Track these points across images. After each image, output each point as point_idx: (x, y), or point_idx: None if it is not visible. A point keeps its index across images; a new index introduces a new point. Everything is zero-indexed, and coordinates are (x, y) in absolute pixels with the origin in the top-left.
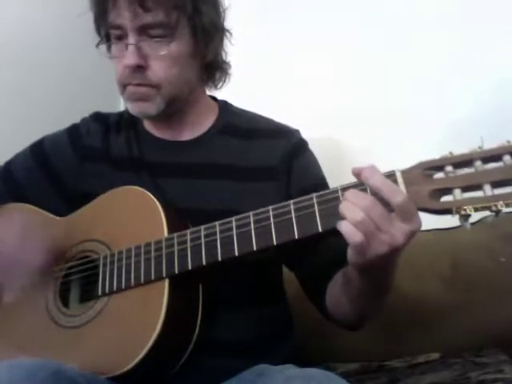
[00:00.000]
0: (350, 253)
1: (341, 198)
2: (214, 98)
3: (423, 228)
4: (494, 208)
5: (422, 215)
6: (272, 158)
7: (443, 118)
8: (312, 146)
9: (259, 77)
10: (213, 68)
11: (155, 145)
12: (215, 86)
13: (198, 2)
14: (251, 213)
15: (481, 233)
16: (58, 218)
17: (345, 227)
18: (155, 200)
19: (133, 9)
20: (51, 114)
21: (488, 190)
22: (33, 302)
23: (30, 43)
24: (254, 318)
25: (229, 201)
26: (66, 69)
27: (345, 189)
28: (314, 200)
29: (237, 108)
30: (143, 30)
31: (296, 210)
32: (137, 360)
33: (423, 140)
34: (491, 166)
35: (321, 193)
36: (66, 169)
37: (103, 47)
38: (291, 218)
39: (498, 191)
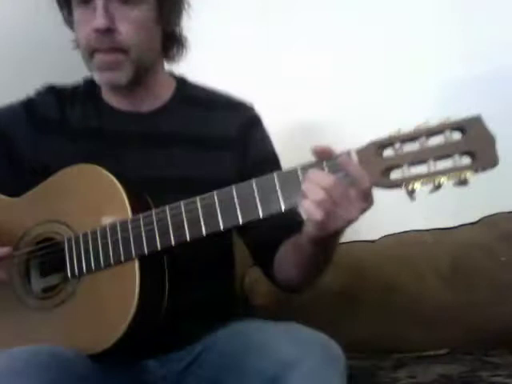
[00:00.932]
0: (309, 228)
1: (300, 178)
2: (172, 75)
3: (423, 228)
4: (436, 182)
5: (420, 213)
6: (229, 129)
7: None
8: (307, 143)
9: (256, 75)
10: (173, 39)
11: (115, 116)
12: (173, 59)
13: None
14: (215, 192)
15: (481, 233)
16: (12, 198)
17: (307, 207)
18: (114, 179)
19: None
20: None
21: (431, 165)
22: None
23: (26, 41)
24: (212, 284)
25: (188, 168)
26: (61, 69)
27: (304, 168)
28: (276, 180)
29: (194, 82)
30: None
31: (259, 190)
32: (119, 335)
33: None
34: (434, 141)
35: (281, 172)
36: (22, 142)
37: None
38: (255, 198)
39: (441, 165)
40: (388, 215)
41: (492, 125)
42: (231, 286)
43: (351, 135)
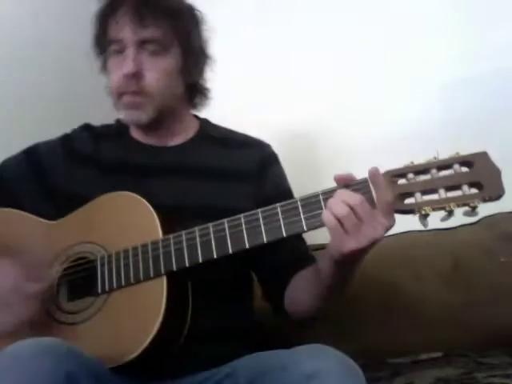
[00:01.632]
0: (331, 243)
1: (322, 202)
2: (196, 116)
3: (423, 228)
4: (447, 208)
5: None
6: (248, 164)
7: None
8: (308, 144)
9: (256, 77)
10: (195, 89)
11: (142, 149)
12: (196, 108)
13: (189, 28)
14: (242, 215)
15: (481, 233)
16: (49, 221)
17: (328, 219)
18: (147, 204)
19: (133, 24)
20: (47, 115)
21: (442, 194)
22: None
23: (26, 43)
24: (230, 310)
25: (210, 198)
26: (61, 69)
27: (325, 193)
28: (299, 203)
29: (216, 124)
30: (141, 44)
31: (283, 212)
32: (143, 347)
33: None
34: (444, 173)
35: (304, 196)
36: (58, 172)
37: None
38: (279, 220)
39: (451, 194)
40: None
41: (492, 124)
42: (251, 310)
43: (351, 135)
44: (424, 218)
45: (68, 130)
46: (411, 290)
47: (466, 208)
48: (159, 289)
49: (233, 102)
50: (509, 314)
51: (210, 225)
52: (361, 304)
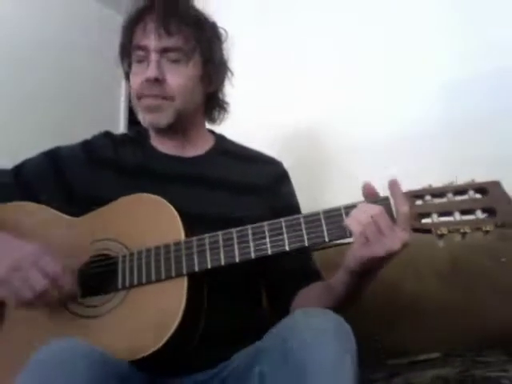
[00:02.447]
0: (354, 248)
1: (344, 216)
2: (212, 132)
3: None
4: (461, 230)
5: None
6: (263, 179)
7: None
8: (309, 144)
9: (258, 77)
10: (214, 100)
11: (160, 157)
12: (213, 121)
13: (211, 39)
14: (265, 223)
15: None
16: (72, 217)
17: (350, 221)
18: (172, 207)
19: (158, 32)
20: (51, 113)
21: (457, 216)
22: None
23: (26, 43)
24: (242, 310)
25: (225, 208)
26: (66, 68)
27: (347, 207)
28: (321, 215)
29: (231, 140)
30: (164, 52)
31: (306, 223)
32: (163, 342)
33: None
34: (459, 197)
35: (327, 209)
36: (79, 174)
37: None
38: (301, 229)
39: (465, 218)
40: None
41: (492, 124)
42: (262, 310)
43: (352, 135)
44: (440, 237)
45: (69, 129)
46: (411, 290)
47: (479, 232)
48: (180, 288)
49: (234, 102)
50: (508, 314)
51: (234, 230)
52: (360, 304)
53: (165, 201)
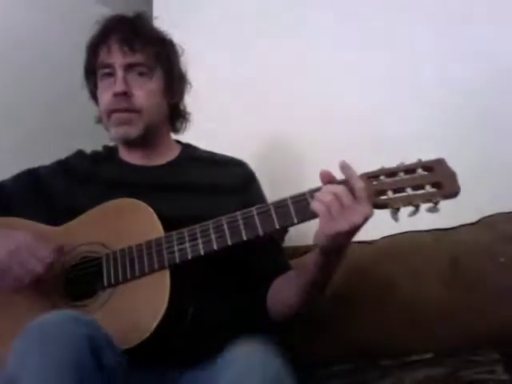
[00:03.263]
0: (320, 227)
1: (309, 199)
2: (178, 141)
3: (423, 228)
4: (414, 203)
5: (420, 213)
6: (231, 180)
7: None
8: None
9: (248, 78)
10: (177, 112)
11: (132, 169)
12: (177, 131)
13: (170, 55)
14: (238, 212)
15: (481, 233)
16: (53, 227)
17: (316, 206)
18: (149, 208)
19: (122, 50)
20: (41, 118)
21: (410, 191)
22: (38, 296)
23: (22, 45)
24: (233, 302)
25: (196, 210)
26: (58, 70)
27: (312, 191)
28: (289, 200)
29: (196, 146)
30: (129, 67)
31: (275, 208)
32: (153, 327)
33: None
34: (410, 175)
35: (293, 195)
36: (58, 189)
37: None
38: (272, 214)
39: (417, 192)
40: (387, 216)
41: (492, 124)
42: (248, 308)
43: (351, 135)
44: (395, 212)
45: (68, 129)
46: (410, 290)
47: (430, 204)
48: (164, 278)
49: (221, 106)
50: (508, 314)
51: (210, 222)
52: (359, 304)
53: (141, 202)
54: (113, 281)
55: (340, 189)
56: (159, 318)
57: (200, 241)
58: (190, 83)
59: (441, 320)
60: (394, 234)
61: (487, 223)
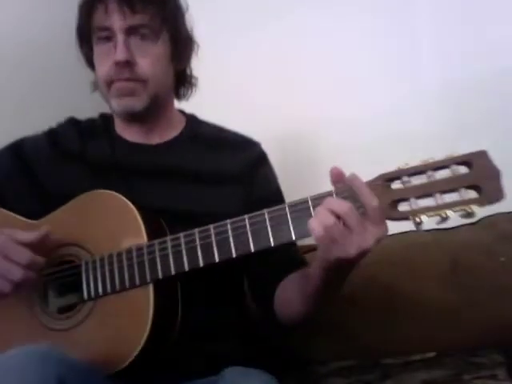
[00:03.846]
0: (319, 253)
1: (311, 209)
2: (183, 112)
3: (423, 228)
4: (443, 215)
5: None
6: (236, 166)
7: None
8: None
9: (254, 75)
10: (184, 78)
11: (127, 148)
12: (182, 98)
13: (176, 14)
14: (228, 221)
15: (481, 233)
16: (29, 220)
17: (313, 227)
18: (131, 205)
19: (122, 11)
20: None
21: (438, 198)
22: (18, 306)
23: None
24: (222, 312)
25: (193, 202)
26: (62, 71)
27: (315, 199)
28: (287, 210)
29: (203, 120)
30: (131, 30)
31: (271, 220)
32: (130, 359)
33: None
34: (441, 174)
35: (292, 202)
36: (44, 170)
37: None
38: (267, 227)
39: (447, 199)
40: None
41: (491, 124)
42: (244, 311)
43: (352, 135)
44: (418, 224)
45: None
46: (410, 290)
47: (463, 212)
48: (146, 296)
49: (230, 100)
50: (508, 314)
51: (196, 231)
52: (359, 304)
53: (123, 198)
54: (93, 294)
55: (346, 208)
56: (140, 346)
57: (184, 254)
58: (197, 43)
59: (441, 319)
60: (394, 234)
61: (487, 223)
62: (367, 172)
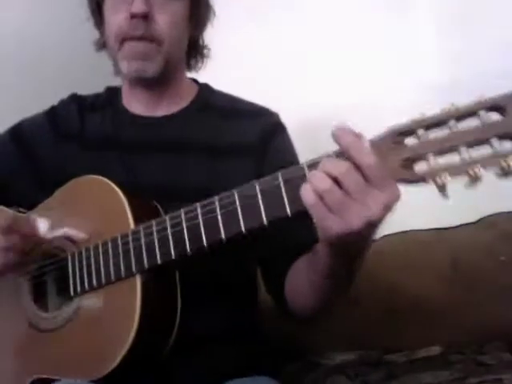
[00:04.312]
0: (317, 226)
1: (307, 176)
2: (195, 81)
3: (423, 228)
4: (471, 173)
5: (420, 213)
6: (249, 136)
7: None
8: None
9: (265, 66)
10: (197, 46)
11: (130, 122)
12: (194, 67)
13: None
14: (216, 197)
15: (481, 233)
16: (23, 214)
17: (306, 195)
18: (118, 189)
19: None
20: None
21: (464, 153)
22: (7, 304)
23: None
24: (232, 309)
25: (201, 178)
26: (63, 68)
27: (312, 164)
28: (280, 179)
29: (217, 90)
30: None
31: (262, 192)
32: (116, 362)
33: None
34: (466, 124)
35: (286, 170)
36: (46, 153)
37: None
38: (258, 202)
39: (475, 153)
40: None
41: None
42: (253, 311)
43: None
44: (442, 187)
45: None
46: (410, 290)
47: (498, 168)
48: (133, 291)
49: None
50: (509, 314)
51: (182, 211)
52: (360, 303)
53: (108, 182)
54: (79, 290)
55: (344, 169)
56: (127, 346)
57: (170, 238)
58: (214, 11)
59: (441, 319)
60: (395, 233)
61: (487, 223)
62: None
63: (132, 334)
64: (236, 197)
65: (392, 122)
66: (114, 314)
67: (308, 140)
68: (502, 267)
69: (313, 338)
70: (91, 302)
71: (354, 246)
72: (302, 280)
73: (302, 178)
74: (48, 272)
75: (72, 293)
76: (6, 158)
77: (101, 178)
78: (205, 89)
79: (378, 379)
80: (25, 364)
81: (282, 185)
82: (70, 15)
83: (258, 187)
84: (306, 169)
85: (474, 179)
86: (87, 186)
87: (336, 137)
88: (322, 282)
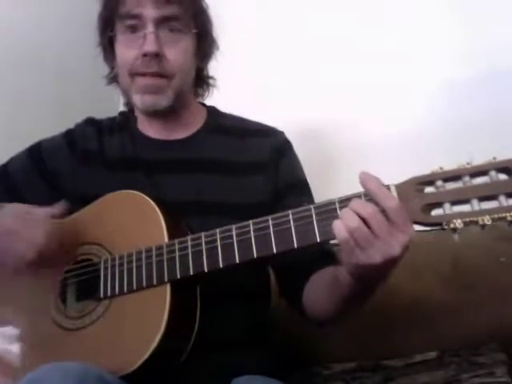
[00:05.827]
0: (343, 259)
1: (338, 211)
2: (203, 104)
3: (423, 228)
4: (480, 222)
5: None
6: (261, 154)
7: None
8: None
9: (266, 73)
10: (203, 76)
11: (149, 144)
12: (201, 96)
13: (205, 10)
14: (251, 221)
15: (481, 233)
16: (55, 220)
17: (337, 231)
18: (155, 205)
19: (155, 0)
20: (47, 115)
21: (475, 205)
22: (35, 303)
23: (28, 44)
24: (246, 315)
25: (221, 193)
26: (63, 70)
27: (342, 201)
28: (312, 211)
29: (224, 112)
30: (162, 21)
31: (295, 220)
32: (141, 361)
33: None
34: (478, 180)
35: (319, 203)
36: (64, 171)
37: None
38: (290, 228)
39: (485, 205)
40: None
41: (491, 124)
42: (265, 321)
43: (351, 136)
44: (454, 231)
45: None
46: (410, 290)
47: (502, 220)
48: (162, 298)
49: (242, 98)
50: (509, 314)
51: (217, 231)
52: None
53: (146, 197)
54: (109, 293)
55: (371, 210)
56: (152, 348)
57: (204, 254)
58: (218, 44)
59: (441, 319)
60: None
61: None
62: (382, 171)
63: (158, 337)
64: (270, 222)
65: (400, 128)
66: (141, 318)
67: (310, 147)
68: (502, 267)
69: (313, 349)
70: (120, 305)
71: (373, 277)
72: (322, 296)
73: (333, 212)
74: (76, 276)
75: (102, 295)
76: (23, 175)
77: (139, 193)
78: (213, 112)
79: (374, 382)
80: (50, 361)
81: (314, 216)
82: (70, 15)
83: (291, 215)
84: (337, 204)
85: (482, 226)
86: (124, 200)
87: (363, 182)
88: (340, 301)
